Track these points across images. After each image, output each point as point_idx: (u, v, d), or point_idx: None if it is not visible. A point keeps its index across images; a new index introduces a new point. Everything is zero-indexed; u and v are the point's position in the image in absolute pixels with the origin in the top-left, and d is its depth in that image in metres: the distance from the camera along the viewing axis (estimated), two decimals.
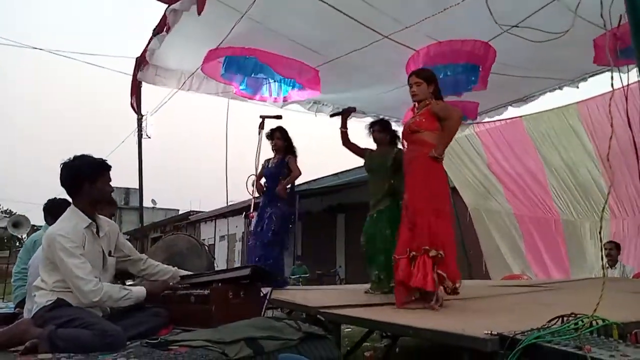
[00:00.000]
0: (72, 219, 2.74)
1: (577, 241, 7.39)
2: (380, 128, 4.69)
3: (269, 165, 5.18)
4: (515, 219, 7.95)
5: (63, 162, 2.80)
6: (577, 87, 6.20)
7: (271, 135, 5.15)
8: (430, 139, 3.55)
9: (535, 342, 1.82)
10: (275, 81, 5.50)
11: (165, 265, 3.14)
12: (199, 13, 4.10)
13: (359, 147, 4.72)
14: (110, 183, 2.88)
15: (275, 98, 5.76)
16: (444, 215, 3.51)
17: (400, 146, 4.49)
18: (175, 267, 3.16)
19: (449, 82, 4.88)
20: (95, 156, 2.87)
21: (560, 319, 2.03)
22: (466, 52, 4.80)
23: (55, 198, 4.01)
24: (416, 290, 3.40)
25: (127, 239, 3.26)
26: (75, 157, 2.81)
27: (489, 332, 2.14)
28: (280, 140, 5.14)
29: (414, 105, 3.77)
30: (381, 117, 7.02)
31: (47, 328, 2.45)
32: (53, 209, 3.77)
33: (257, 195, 5.03)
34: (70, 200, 2.91)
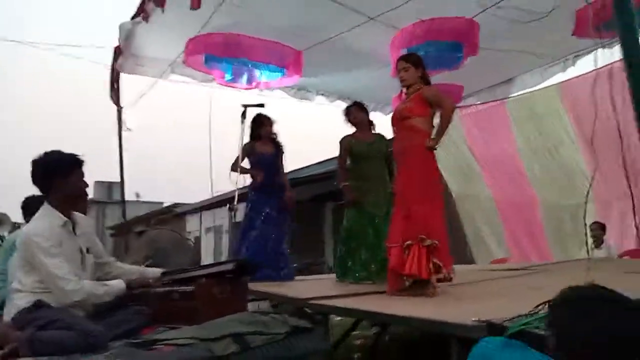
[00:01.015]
0: (47, 218, 2.66)
1: (556, 224, 7.46)
2: (359, 108, 4.66)
3: (265, 153, 4.94)
4: (495, 203, 8.00)
5: (34, 158, 2.70)
6: (563, 70, 6.20)
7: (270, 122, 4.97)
8: (422, 125, 3.54)
9: (523, 329, 1.80)
10: (257, 68, 5.42)
11: (130, 266, 3.10)
12: (196, 7, 4.01)
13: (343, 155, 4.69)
14: (84, 179, 2.79)
15: (258, 84, 5.67)
16: (438, 203, 3.54)
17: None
18: (141, 267, 3.10)
19: (432, 59, 4.83)
20: (76, 151, 2.79)
21: (548, 304, 2.02)
22: (449, 29, 4.78)
23: (33, 195, 3.90)
24: (409, 277, 3.40)
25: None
26: (46, 153, 2.72)
27: (477, 319, 2.14)
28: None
29: (401, 91, 3.74)
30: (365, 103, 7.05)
31: (27, 331, 2.39)
32: (31, 206, 3.67)
33: (240, 185, 4.93)
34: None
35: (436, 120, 3.69)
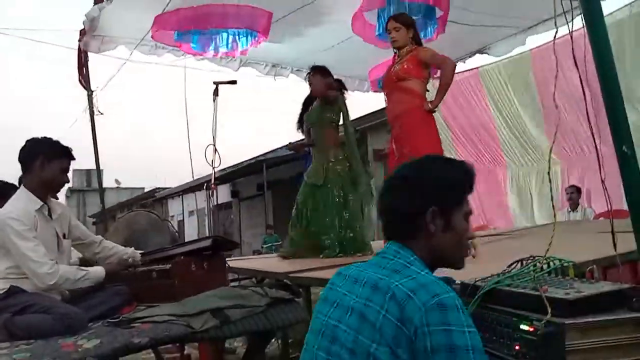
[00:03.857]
0: (22, 201, 2.62)
1: (523, 190, 7.60)
2: (312, 73, 4.55)
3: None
4: None
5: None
6: (535, 33, 6.18)
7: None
8: (418, 87, 3.41)
9: (495, 288, 1.83)
10: (231, 35, 5.29)
11: (122, 247, 3.04)
12: None
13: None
14: (66, 174, 2.75)
15: (234, 52, 5.54)
16: None
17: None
18: (132, 248, 3.07)
19: None
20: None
21: (520, 262, 2.06)
22: None
23: (1, 181, 3.83)
24: None
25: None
26: (44, 137, 2.72)
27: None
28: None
29: (395, 53, 3.58)
30: (342, 79, 6.99)
31: (2, 317, 2.36)
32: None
33: (217, 165, 4.88)
34: (18, 183, 2.79)
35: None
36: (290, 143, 4.85)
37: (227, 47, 5.32)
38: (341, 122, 4.56)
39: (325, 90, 4.46)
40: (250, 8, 5.05)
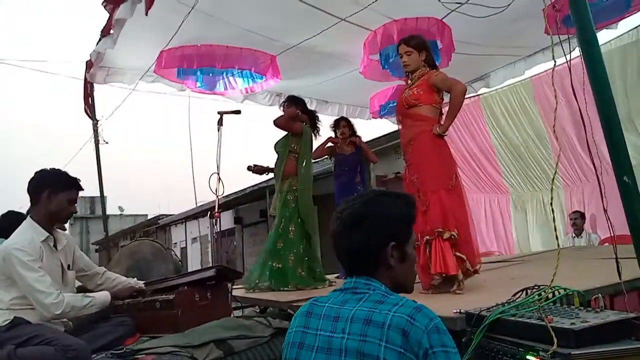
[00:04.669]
0: (28, 232, 2.63)
1: (525, 217, 7.59)
2: (286, 103, 4.59)
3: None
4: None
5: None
6: (532, 65, 6.29)
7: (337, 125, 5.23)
8: (430, 113, 3.32)
9: (500, 317, 1.83)
10: (232, 75, 5.41)
11: (124, 277, 3.04)
12: (147, 12, 3.98)
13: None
14: (74, 205, 2.77)
15: (234, 90, 5.66)
16: (456, 190, 3.27)
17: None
18: (135, 278, 3.07)
19: None
20: (54, 166, 2.79)
21: (524, 291, 2.05)
22: (422, 31, 4.74)
23: (9, 211, 3.85)
24: (436, 275, 3.13)
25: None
26: (52, 168, 2.76)
27: (458, 310, 2.16)
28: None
29: (407, 76, 3.48)
30: (345, 107, 7.08)
31: (6, 349, 2.35)
32: (6, 223, 3.62)
33: (221, 193, 4.91)
34: (25, 214, 2.81)
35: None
36: (251, 165, 4.78)
37: (232, 86, 5.45)
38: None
39: (289, 121, 4.45)
40: (252, 51, 5.17)
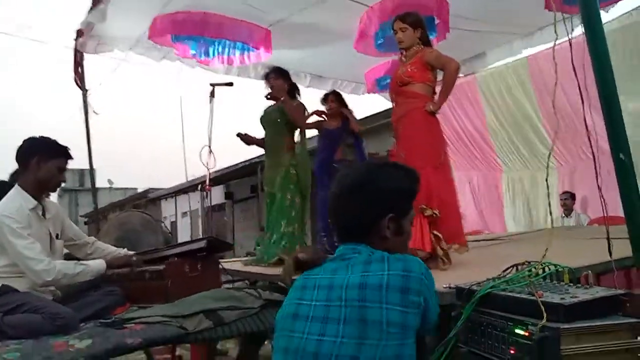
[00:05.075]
0: (17, 200, 2.61)
1: (518, 195, 7.62)
2: (271, 75, 4.36)
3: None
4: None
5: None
6: (531, 45, 6.22)
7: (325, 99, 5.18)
8: (423, 91, 3.29)
9: (490, 292, 1.83)
10: (225, 46, 5.33)
11: (115, 248, 3.03)
12: None
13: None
14: (63, 174, 2.73)
15: (227, 61, 5.57)
16: (443, 168, 3.27)
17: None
18: (125, 248, 3.05)
19: None
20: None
21: (515, 267, 2.06)
22: (418, 4, 4.67)
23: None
24: (418, 250, 3.03)
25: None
26: (41, 136, 2.71)
27: (448, 285, 2.17)
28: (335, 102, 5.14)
29: (401, 53, 3.45)
30: (338, 82, 7.01)
31: None
32: None
33: (212, 166, 4.86)
34: (8, 181, 2.77)
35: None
36: (241, 133, 4.52)
37: (225, 55, 5.36)
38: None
39: (280, 93, 4.29)
40: (246, 23, 5.08)
